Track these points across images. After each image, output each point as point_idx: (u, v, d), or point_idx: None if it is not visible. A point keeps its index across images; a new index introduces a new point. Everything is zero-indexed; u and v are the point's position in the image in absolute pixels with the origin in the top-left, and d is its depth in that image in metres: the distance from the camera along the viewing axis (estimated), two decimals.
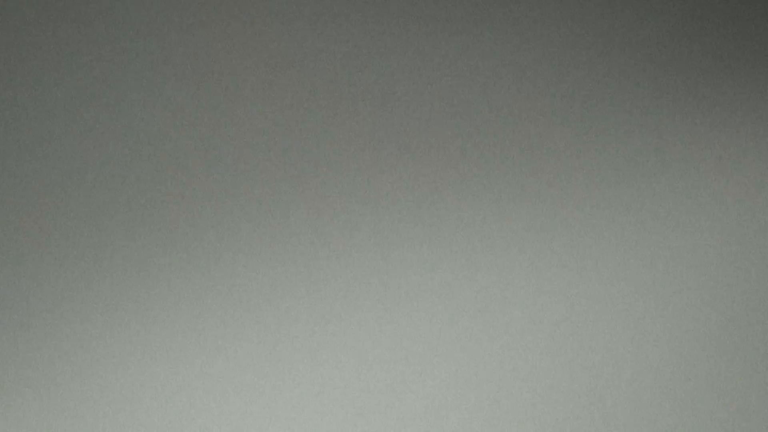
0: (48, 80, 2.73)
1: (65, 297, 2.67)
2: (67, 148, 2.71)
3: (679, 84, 2.95)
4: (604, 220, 2.87)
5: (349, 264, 2.77)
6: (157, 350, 2.68)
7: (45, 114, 2.72)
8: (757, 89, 2.97)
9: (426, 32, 2.88)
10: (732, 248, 2.91)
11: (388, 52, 2.86)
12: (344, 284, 2.76)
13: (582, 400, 2.81)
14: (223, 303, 2.72)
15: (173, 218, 2.73)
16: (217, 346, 2.70)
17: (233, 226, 2.75)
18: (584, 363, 2.82)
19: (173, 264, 2.71)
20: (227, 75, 2.79)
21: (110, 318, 2.68)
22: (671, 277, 2.88)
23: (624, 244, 2.87)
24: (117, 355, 2.67)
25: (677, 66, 2.96)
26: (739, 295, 2.89)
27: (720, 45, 2.98)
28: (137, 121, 2.75)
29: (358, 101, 2.83)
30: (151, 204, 2.72)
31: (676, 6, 2.98)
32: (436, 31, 2.88)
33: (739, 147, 2.95)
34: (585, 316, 2.83)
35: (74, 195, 2.70)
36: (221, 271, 2.73)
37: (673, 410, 2.84)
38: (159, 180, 2.73)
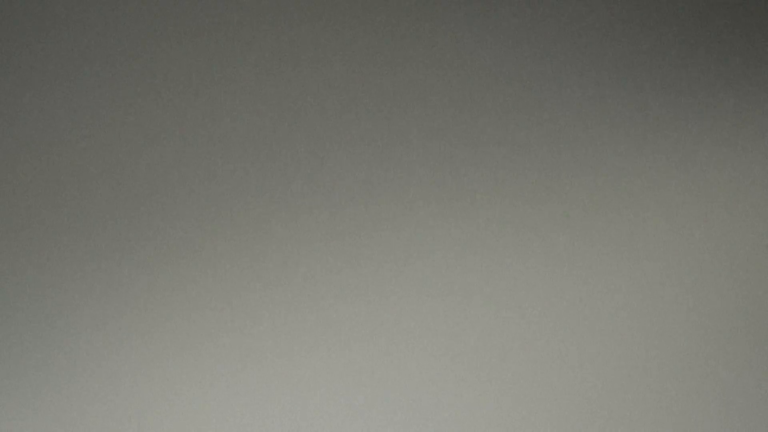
0: (47, 80, 2.73)
1: (66, 299, 2.67)
2: (67, 149, 2.71)
3: (678, 83, 2.95)
4: (605, 219, 2.87)
5: (351, 264, 2.77)
6: (157, 352, 2.68)
7: (45, 114, 2.72)
8: (758, 89, 2.97)
9: (425, 30, 2.88)
10: (732, 248, 2.91)
11: (389, 51, 2.86)
12: (346, 284, 2.76)
13: (582, 398, 2.81)
14: (226, 303, 2.72)
15: (175, 219, 2.73)
16: (219, 347, 2.70)
17: (235, 227, 2.75)
18: (585, 362, 2.82)
19: (175, 263, 2.71)
20: (230, 81, 2.79)
21: (112, 320, 2.68)
22: (671, 277, 2.88)
23: (625, 242, 2.87)
24: (118, 357, 2.67)
25: (677, 64, 2.96)
26: (740, 294, 2.89)
27: (720, 44, 2.98)
28: (138, 122, 2.75)
29: (359, 101, 2.83)
30: (153, 205, 2.72)
31: (677, 6, 2.98)
32: (436, 29, 2.88)
33: (740, 146, 2.95)
34: (585, 315, 2.83)
35: (77, 197, 2.70)
36: (224, 271, 2.73)
37: (672, 410, 2.84)
38: (160, 181, 2.73)
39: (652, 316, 2.86)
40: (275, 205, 2.77)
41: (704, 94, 2.95)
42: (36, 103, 2.72)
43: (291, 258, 2.75)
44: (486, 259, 2.82)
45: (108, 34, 2.76)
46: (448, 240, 2.81)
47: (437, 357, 2.77)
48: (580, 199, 2.87)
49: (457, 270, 2.81)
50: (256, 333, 2.72)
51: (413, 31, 2.88)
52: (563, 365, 2.81)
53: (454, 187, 2.83)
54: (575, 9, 2.94)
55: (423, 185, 2.82)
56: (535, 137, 2.88)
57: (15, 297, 2.65)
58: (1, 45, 2.72)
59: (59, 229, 2.69)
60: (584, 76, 2.92)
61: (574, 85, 2.91)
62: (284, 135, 2.80)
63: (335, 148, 2.81)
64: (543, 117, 2.89)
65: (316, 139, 2.80)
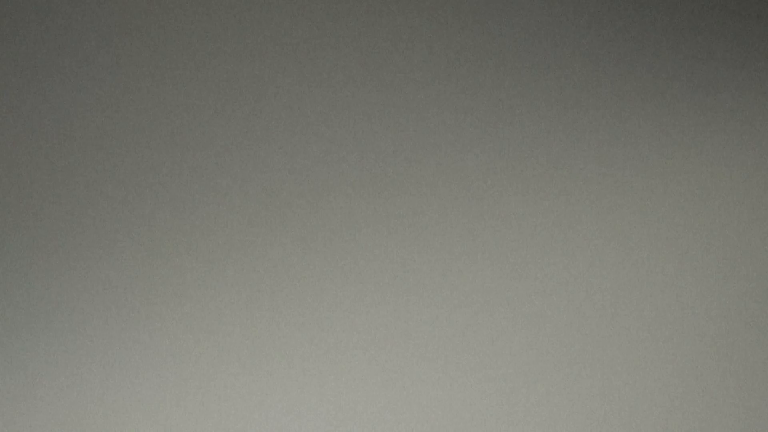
0: (47, 80, 2.73)
1: (65, 299, 2.67)
2: (68, 149, 2.71)
3: (678, 83, 2.95)
4: (604, 219, 2.87)
5: (349, 265, 2.77)
6: (156, 352, 2.68)
7: (44, 114, 2.72)
8: (758, 89, 2.97)
9: (425, 29, 2.88)
10: (732, 248, 2.91)
11: (386, 49, 2.86)
12: (345, 286, 2.76)
13: (581, 399, 2.80)
14: (225, 303, 2.72)
15: (175, 220, 2.73)
16: (219, 347, 2.70)
17: (234, 228, 2.75)
18: (584, 362, 2.82)
19: (173, 265, 2.71)
20: (230, 80, 2.79)
21: (114, 321, 2.68)
22: (671, 277, 2.87)
23: (624, 242, 2.87)
24: (117, 357, 2.67)
25: (678, 65, 2.95)
26: (739, 295, 2.89)
27: (720, 44, 2.98)
28: (140, 121, 2.75)
29: (357, 98, 2.83)
30: (153, 205, 2.72)
31: (677, 6, 2.98)
32: (435, 28, 2.88)
33: (740, 147, 2.95)
34: (584, 316, 2.83)
35: (77, 196, 2.70)
36: (224, 271, 2.72)
37: (672, 409, 2.83)
38: (162, 182, 2.73)
39: (652, 315, 2.85)
40: (276, 205, 2.77)
41: (704, 94, 2.95)
42: (36, 103, 2.72)
43: (291, 258, 2.75)
44: (486, 259, 2.82)
45: (107, 33, 2.76)
46: (448, 240, 2.81)
47: (437, 357, 2.77)
48: (581, 198, 2.87)
49: (457, 270, 2.80)
50: (255, 333, 2.72)
51: (413, 29, 2.87)
52: (563, 365, 2.81)
53: (453, 187, 2.83)
54: (575, 7, 2.93)
55: (423, 185, 2.82)
56: (535, 137, 2.88)
57: (15, 296, 2.65)
58: (1, 45, 2.72)
59: (59, 228, 2.69)
60: (584, 74, 2.92)
61: (575, 84, 2.91)
62: (286, 134, 2.80)
63: (336, 147, 2.81)
64: (543, 117, 2.89)
65: (318, 137, 2.80)
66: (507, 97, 2.88)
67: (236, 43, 2.80)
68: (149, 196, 2.72)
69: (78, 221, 2.70)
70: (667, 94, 2.94)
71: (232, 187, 2.76)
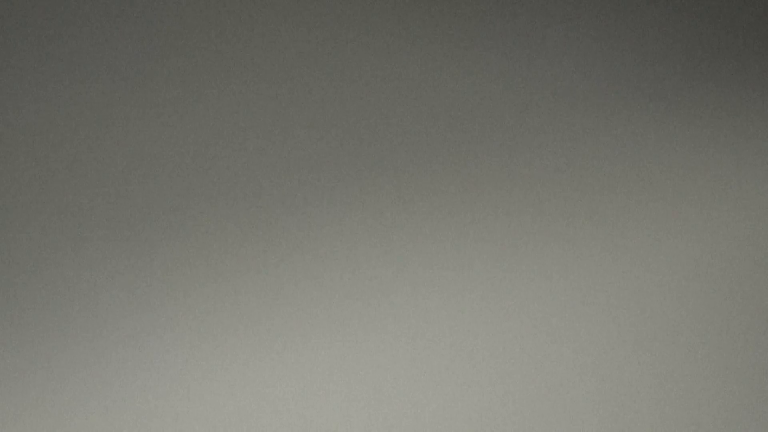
0: (47, 80, 2.73)
1: (71, 296, 2.67)
2: (67, 151, 2.71)
3: (678, 87, 2.95)
4: (604, 223, 2.88)
5: (354, 264, 2.77)
6: (163, 349, 2.68)
7: (44, 114, 2.72)
8: (758, 91, 2.98)
9: (426, 34, 2.88)
10: (731, 252, 2.91)
11: (387, 54, 2.86)
12: (344, 287, 2.77)
13: (580, 402, 2.81)
14: (230, 301, 2.72)
15: (174, 221, 2.73)
16: (215, 348, 2.71)
17: (233, 230, 2.75)
18: (584, 366, 2.82)
19: (172, 266, 2.71)
20: (232, 82, 2.80)
21: (113, 320, 2.68)
22: (671, 281, 2.88)
23: (624, 247, 2.87)
24: (124, 355, 2.67)
25: (677, 68, 2.96)
26: (739, 298, 2.90)
27: (720, 47, 2.98)
28: (138, 124, 2.75)
29: (359, 104, 2.83)
30: (152, 206, 2.72)
31: (677, 8, 2.98)
32: (436, 33, 2.88)
33: (739, 150, 2.95)
34: (584, 320, 2.84)
35: (87, 194, 2.70)
36: (229, 269, 2.73)
37: (671, 412, 2.84)
38: (159, 182, 2.74)
39: (651, 319, 2.86)
40: (279, 204, 2.77)
41: (703, 96, 2.96)
42: (41, 104, 2.71)
43: (294, 257, 2.76)
44: (485, 260, 2.82)
45: (107, 33, 2.76)
46: (448, 242, 2.81)
47: (437, 357, 2.78)
48: (580, 202, 2.88)
49: (457, 271, 2.81)
50: (260, 330, 2.72)
51: (415, 33, 2.88)
52: (561, 368, 2.81)
53: (454, 191, 2.83)
54: (572, 10, 2.94)
55: (423, 186, 2.83)
56: (534, 140, 2.88)
57: (15, 295, 2.65)
58: (1, 45, 2.72)
59: (65, 227, 2.69)
60: (583, 78, 2.92)
61: (572, 87, 2.91)
62: (288, 134, 2.80)
63: (339, 151, 2.81)
64: (541, 120, 2.89)
65: (320, 139, 2.80)
66: (509, 98, 2.89)
67: (236, 43, 2.81)
68: (150, 196, 2.73)
69: (79, 220, 2.70)
70: (667, 94, 2.94)
71: (233, 186, 2.76)
